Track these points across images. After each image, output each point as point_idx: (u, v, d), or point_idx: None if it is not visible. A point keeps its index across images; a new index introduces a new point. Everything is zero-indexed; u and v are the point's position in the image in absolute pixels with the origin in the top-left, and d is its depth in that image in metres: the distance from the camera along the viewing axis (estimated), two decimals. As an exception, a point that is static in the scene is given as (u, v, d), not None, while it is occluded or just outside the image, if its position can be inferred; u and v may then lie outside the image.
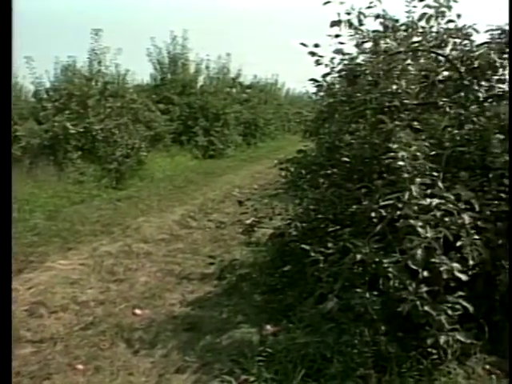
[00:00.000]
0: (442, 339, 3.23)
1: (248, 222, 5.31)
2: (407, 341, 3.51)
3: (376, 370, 3.32)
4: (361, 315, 3.39)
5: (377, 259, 3.28)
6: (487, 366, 3.49)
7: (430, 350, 3.39)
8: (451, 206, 3.27)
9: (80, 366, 3.63)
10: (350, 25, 4.86)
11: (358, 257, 3.32)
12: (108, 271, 5.59)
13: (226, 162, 15.14)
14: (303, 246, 3.85)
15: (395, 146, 3.50)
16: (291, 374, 3.34)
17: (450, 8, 5.04)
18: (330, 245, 3.67)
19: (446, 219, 3.24)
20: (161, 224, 7.71)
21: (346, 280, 3.48)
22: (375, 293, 3.35)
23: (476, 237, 3.34)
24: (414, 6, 5.02)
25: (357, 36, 4.90)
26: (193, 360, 3.76)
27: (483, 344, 3.57)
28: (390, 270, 3.21)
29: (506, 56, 4.86)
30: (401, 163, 3.38)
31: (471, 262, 3.23)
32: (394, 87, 4.30)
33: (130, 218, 8.07)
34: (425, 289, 3.23)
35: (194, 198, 9.77)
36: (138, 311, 4.57)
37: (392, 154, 3.50)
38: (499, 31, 4.94)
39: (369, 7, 4.91)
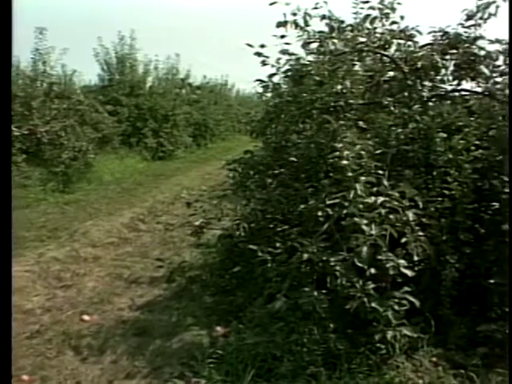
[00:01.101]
0: (390, 334, 3.30)
1: (197, 223, 5.27)
2: (356, 337, 3.57)
3: (326, 368, 3.37)
4: (309, 314, 3.42)
5: (324, 258, 3.32)
6: (434, 359, 3.58)
7: (378, 345, 3.46)
8: (396, 203, 3.33)
9: (25, 377, 3.53)
10: (296, 25, 4.90)
11: (305, 256, 3.34)
12: (55, 277, 5.46)
13: (175, 164, 15.00)
14: (251, 246, 3.85)
15: (340, 145, 3.54)
16: (242, 374, 3.35)
17: (393, 10, 5.15)
18: (278, 245, 3.69)
19: (391, 216, 3.30)
20: (109, 228, 7.57)
21: (293, 279, 3.51)
22: (323, 291, 3.38)
23: (420, 233, 3.42)
24: (362, 8, 5.11)
25: (303, 37, 4.96)
26: (143, 365, 3.72)
27: (430, 337, 3.67)
28: (337, 268, 3.25)
29: (448, 57, 5.01)
30: (345, 162, 3.42)
31: (416, 258, 3.31)
32: (339, 87, 4.36)
33: (78, 222, 7.89)
34: (372, 285, 3.29)
35: (144, 201, 9.64)
36: (85, 317, 4.48)
37: (337, 153, 3.54)
38: (441, 33, 5.08)
39: (315, 8, 4.96)
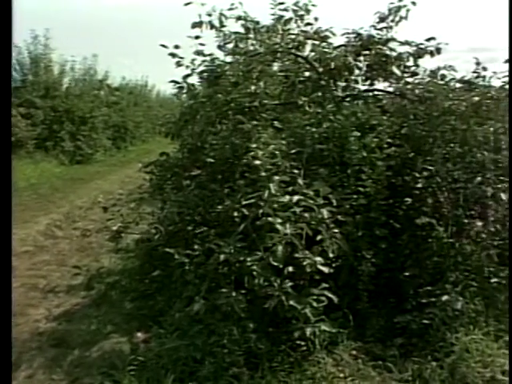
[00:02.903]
0: (308, 331, 3.34)
1: (114, 228, 5.14)
2: (277, 335, 3.59)
3: (248, 368, 3.37)
4: (228, 315, 3.41)
5: (241, 258, 3.31)
6: (354, 352, 3.66)
7: (298, 342, 3.50)
8: (311, 201, 3.37)
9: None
10: (212, 26, 4.88)
11: (222, 257, 3.33)
12: (-37, 291, 5.15)
13: (94, 168, 14.62)
14: (167, 249, 3.80)
15: (254, 145, 3.55)
16: (163, 380, 3.30)
17: (308, 11, 5.24)
18: (196, 247, 3.65)
19: (306, 215, 3.34)
20: (24, 236, 7.28)
21: (212, 281, 3.48)
22: (242, 291, 3.37)
23: (336, 230, 3.48)
24: (281, 9, 5.16)
25: (220, 37, 4.96)
26: (60, 377, 3.60)
27: (349, 331, 3.76)
28: (254, 267, 3.25)
29: (361, 58, 5.15)
30: (258, 162, 3.44)
31: (331, 255, 3.36)
32: (253, 88, 4.38)
33: (-11, 231, 7.50)
34: (289, 284, 3.31)
35: (61, 207, 9.34)
36: (-3, 333, 4.26)
37: (251, 153, 3.55)
38: (354, 35, 5.22)
39: (230, 9, 4.96)
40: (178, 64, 4.71)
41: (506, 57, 4.48)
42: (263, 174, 3.41)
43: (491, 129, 4.48)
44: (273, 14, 5.20)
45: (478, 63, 4.87)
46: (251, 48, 4.91)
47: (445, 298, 3.76)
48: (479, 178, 4.26)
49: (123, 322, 4.39)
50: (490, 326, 3.76)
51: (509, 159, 4.22)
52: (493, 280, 4.12)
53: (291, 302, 3.24)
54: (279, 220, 3.25)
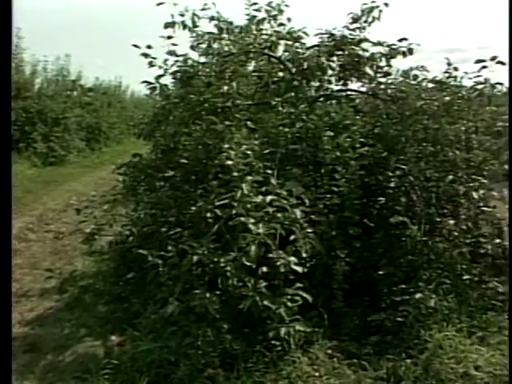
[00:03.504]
0: (283, 331, 3.35)
1: (88, 230, 5.08)
2: (252, 336, 3.58)
3: (223, 369, 3.36)
4: (203, 316, 3.39)
5: (215, 259, 3.30)
6: (329, 351, 3.67)
7: (273, 342, 3.49)
8: (284, 201, 3.38)
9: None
10: (185, 26, 4.87)
11: (195, 258, 3.31)
12: None
13: (68, 169, 14.39)
14: (141, 251, 3.77)
15: (226, 145, 3.55)
16: (138, 383, 3.27)
17: (281, 12, 5.26)
18: (170, 248, 3.63)
19: (279, 215, 3.34)
20: (-4, 239, 7.12)
21: (185, 282, 3.46)
22: (216, 292, 3.36)
23: (309, 230, 3.49)
24: (254, 10, 5.17)
25: (192, 38, 4.94)
26: (33, 383, 3.53)
27: (324, 330, 3.77)
28: (228, 268, 3.24)
29: (334, 58, 5.18)
30: (230, 162, 3.43)
31: (304, 255, 3.37)
32: (226, 88, 4.37)
33: (-41, 235, 7.36)
34: (264, 284, 3.31)
35: (33, 209, 9.17)
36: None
37: (224, 153, 3.54)
38: (328, 35, 5.24)
39: (203, 9, 4.95)
40: (151, 64, 4.68)
41: (479, 57, 4.55)
42: (236, 174, 3.41)
43: (463, 128, 4.55)
44: (246, 15, 5.21)
45: (449, 63, 4.93)
46: (226, 49, 4.90)
47: (418, 295, 3.80)
48: (451, 177, 4.32)
49: (97, 325, 4.34)
50: (462, 322, 3.81)
51: (509, 159, 4.28)
52: (465, 277, 4.18)
53: (265, 302, 3.24)
54: (252, 220, 3.24)
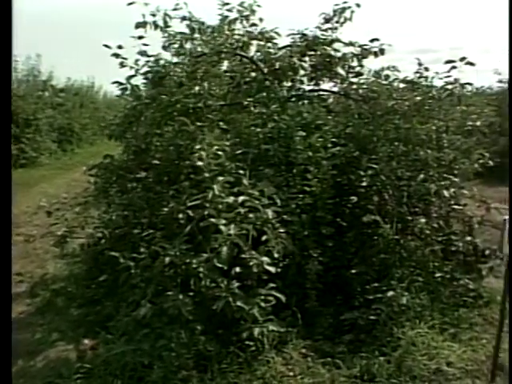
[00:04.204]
0: (256, 331, 3.35)
1: (59, 233, 5.00)
2: (226, 337, 3.58)
3: (198, 370, 3.35)
4: (176, 318, 3.37)
5: (187, 260, 3.28)
6: (303, 350, 3.69)
7: (247, 342, 3.49)
8: (256, 202, 3.37)
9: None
10: (156, 26, 4.82)
11: (167, 259, 3.29)
12: None
13: (39, 171, 14.17)
14: (113, 253, 3.73)
15: (197, 146, 3.52)
16: (112, 386, 3.24)
17: (253, 12, 5.25)
18: (142, 250, 3.59)
19: (251, 215, 3.33)
20: (-35, 242, 6.97)
21: (158, 284, 3.43)
22: (189, 294, 3.34)
23: (281, 230, 3.48)
24: (226, 10, 5.15)
25: (164, 38, 4.90)
26: (3, 389, 3.46)
27: (298, 330, 3.79)
28: (201, 269, 3.22)
29: (306, 58, 5.19)
30: (200, 163, 3.41)
31: (276, 255, 3.36)
32: (197, 88, 4.35)
33: None
34: (237, 284, 3.31)
35: (4, 212, 9.00)
36: None
37: (196, 154, 3.52)
38: (300, 35, 5.26)
39: (175, 9, 4.91)
40: (122, 65, 4.63)
41: (451, 58, 4.59)
42: (207, 175, 3.39)
43: (433, 127, 4.60)
44: (219, 15, 5.19)
45: (420, 64, 4.97)
46: (198, 49, 4.87)
47: (391, 293, 3.84)
48: (422, 176, 4.37)
49: (69, 329, 4.27)
50: (434, 319, 3.87)
51: (509, 159, 4.33)
52: (437, 275, 4.24)
53: (239, 303, 3.23)
54: (223, 221, 3.23)
